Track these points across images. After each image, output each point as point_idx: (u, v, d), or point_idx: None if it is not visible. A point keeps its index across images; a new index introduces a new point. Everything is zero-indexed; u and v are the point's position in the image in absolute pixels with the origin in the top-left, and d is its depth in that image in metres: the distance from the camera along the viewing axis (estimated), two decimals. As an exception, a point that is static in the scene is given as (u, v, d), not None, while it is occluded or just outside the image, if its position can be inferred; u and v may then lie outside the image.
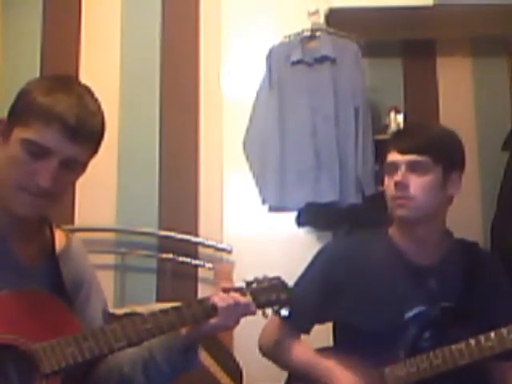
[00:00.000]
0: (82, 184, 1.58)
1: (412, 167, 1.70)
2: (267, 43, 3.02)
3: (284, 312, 1.49)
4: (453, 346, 1.61)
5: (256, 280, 1.48)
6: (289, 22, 3.10)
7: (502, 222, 2.82)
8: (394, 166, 1.73)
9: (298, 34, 2.98)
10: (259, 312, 1.46)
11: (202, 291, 3.00)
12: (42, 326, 1.29)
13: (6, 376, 1.25)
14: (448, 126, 2.56)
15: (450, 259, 1.77)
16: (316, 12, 3.00)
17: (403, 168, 1.71)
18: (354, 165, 2.83)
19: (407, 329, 1.68)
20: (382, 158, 1.82)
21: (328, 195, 2.80)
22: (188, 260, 3.00)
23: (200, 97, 3.19)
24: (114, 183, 3.12)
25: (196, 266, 3.02)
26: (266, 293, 1.46)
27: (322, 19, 3.00)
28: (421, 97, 3.23)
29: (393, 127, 2.98)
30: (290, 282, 1.59)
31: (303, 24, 3.00)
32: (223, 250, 2.99)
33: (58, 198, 1.34)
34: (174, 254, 2.99)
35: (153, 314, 1.35)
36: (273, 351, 1.82)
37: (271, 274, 1.52)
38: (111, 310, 1.64)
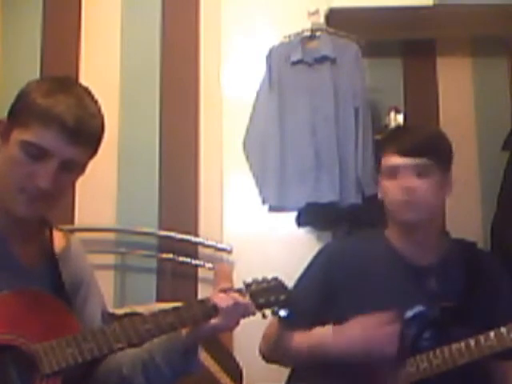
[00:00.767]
0: (81, 184, 1.58)
1: (416, 170, 1.69)
2: (267, 43, 3.01)
3: (283, 313, 1.49)
4: (452, 346, 1.61)
5: (255, 281, 1.48)
6: (289, 22, 3.10)
7: (502, 222, 2.81)
8: (395, 170, 1.71)
9: (298, 33, 2.98)
10: (258, 313, 1.46)
11: (202, 291, 3.00)
12: (42, 327, 1.29)
13: (6, 376, 1.25)
14: (448, 125, 2.57)
15: (449, 259, 1.77)
16: (316, 12, 3.00)
17: (407, 171, 1.69)
18: (353, 165, 2.83)
19: (407, 329, 1.68)
20: (379, 159, 1.81)
21: (328, 195, 2.80)
22: (188, 260, 3.00)
23: (200, 97, 3.19)
24: (114, 183, 3.11)
25: (196, 266, 3.02)
26: (264, 294, 1.46)
27: (322, 19, 3.00)
28: (421, 97, 3.23)
29: (393, 127, 2.98)
30: (290, 282, 1.59)
31: (303, 24, 2.99)
32: (223, 250, 2.99)
33: (57, 200, 1.34)
34: (173, 253, 2.99)
35: (153, 315, 1.35)
36: (274, 351, 1.82)
37: (271, 274, 1.52)
38: (111, 310, 1.64)
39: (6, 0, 3.25)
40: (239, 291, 1.43)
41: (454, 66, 3.27)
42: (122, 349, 1.33)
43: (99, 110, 1.36)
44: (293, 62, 2.94)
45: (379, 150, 1.82)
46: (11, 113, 1.33)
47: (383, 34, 3.04)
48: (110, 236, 3.05)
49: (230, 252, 2.97)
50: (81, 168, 1.36)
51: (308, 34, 2.98)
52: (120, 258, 3.03)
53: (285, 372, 1.85)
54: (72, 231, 1.57)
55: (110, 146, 3.06)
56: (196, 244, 3.04)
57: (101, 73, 3.18)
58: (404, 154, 1.70)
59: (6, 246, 1.34)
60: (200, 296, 2.84)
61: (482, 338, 1.60)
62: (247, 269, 1.89)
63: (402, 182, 1.69)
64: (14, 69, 3.15)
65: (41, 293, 1.33)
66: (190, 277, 3.03)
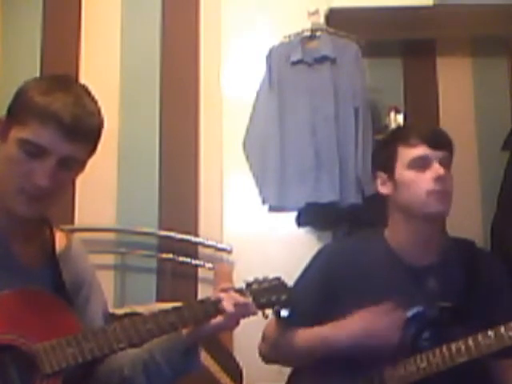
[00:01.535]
0: (81, 184, 1.59)
1: (442, 162, 1.71)
2: (267, 43, 3.01)
3: (284, 312, 1.49)
4: (451, 345, 1.61)
5: (256, 281, 1.48)
6: (289, 22, 3.10)
7: (502, 223, 2.81)
8: (426, 160, 1.71)
9: (298, 33, 2.98)
10: (259, 312, 1.46)
11: (202, 291, 3.00)
12: (43, 326, 1.29)
13: (7, 376, 1.25)
14: (448, 125, 2.57)
15: (448, 259, 1.77)
16: (316, 12, 3.00)
17: (437, 162, 1.70)
18: (353, 165, 2.83)
19: (406, 329, 1.68)
20: (391, 153, 1.77)
21: (328, 195, 2.80)
22: (188, 260, 3.00)
23: (200, 97, 3.19)
24: (114, 183, 3.11)
25: (196, 266, 3.02)
26: (266, 293, 1.46)
27: (322, 19, 3.00)
28: (421, 97, 3.23)
29: (393, 127, 2.98)
30: (290, 283, 1.59)
31: (303, 24, 2.99)
32: (223, 249, 2.99)
33: (57, 198, 1.34)
34: (173, 253, 2.99)
35: (153, 315, 1.35)
36: (274, 350, 1.82)
37: (271, 274, 1.52)
38: (111, 310, 1.64)
39: (6, 0, 3.25)
40: (240, 291, 1.43)
41: (454, 65, 3.27)
42: (122, 349, 1.33)
43: (98, 108, 1.36)
44: (293, 62, 2.94)
45: (389, 143, 1.81)
46: (9, 111, 1.33)
47: (383, 34, 3.04)
48: (110, 236, 3.05)
49: (230, 252, 2.97)
50: (80, 165, 1.35)
51: (308, 34, 2.98)
52: (120, 258, 3.03)
53: (285, 372, 1.85)
54: (72, 231, 1.57)
55: (110, 145, 3.06)
56: (196, 244, 3.03)
57: (101, 73, 3.18)
58: (433, 145, 1.71)
59: (7, 246, 1.34)
60: (200, 296, 2.84)
61: (480, 337, 1.60)
62: (247, 269, 1.90)
63: (434, 172, 1.69)
64: (14, 68, 3.14)
65: (41, 292, 1.33)
66: (190, 277, 3.03)
